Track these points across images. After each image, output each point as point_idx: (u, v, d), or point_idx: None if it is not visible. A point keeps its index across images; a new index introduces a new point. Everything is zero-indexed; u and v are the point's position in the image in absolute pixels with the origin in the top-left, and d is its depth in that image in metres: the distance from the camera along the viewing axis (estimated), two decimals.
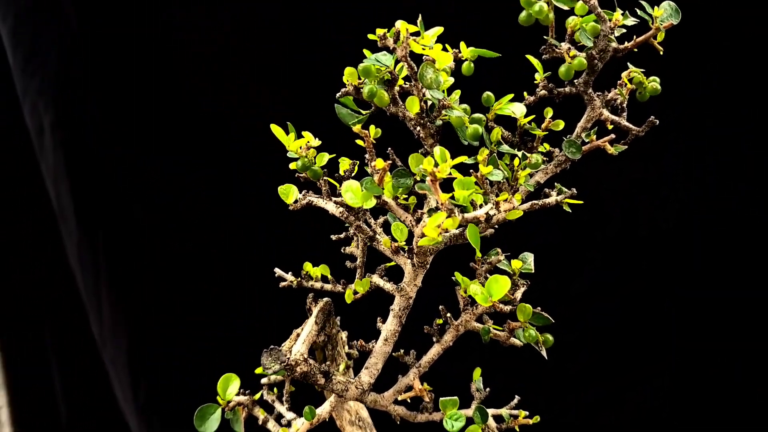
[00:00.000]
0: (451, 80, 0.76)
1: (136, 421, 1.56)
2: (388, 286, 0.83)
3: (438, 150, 0.71)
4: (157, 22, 1.47)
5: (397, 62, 0.76)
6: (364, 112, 0.82)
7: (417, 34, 0.76)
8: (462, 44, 0.86)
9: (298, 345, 0.76)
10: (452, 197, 0.72)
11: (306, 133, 0.81)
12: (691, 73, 1.40)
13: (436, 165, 0.69)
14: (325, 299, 0.88)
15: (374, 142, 0.75)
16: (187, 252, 1.56)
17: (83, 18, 1.44)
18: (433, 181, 0.69)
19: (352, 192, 0.74)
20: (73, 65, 1.46)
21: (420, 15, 0.79)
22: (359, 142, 0.76)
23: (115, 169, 1.51)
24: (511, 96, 0.84)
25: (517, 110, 0.82)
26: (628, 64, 0.87)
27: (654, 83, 0.87)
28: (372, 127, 0.76)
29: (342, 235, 0.90)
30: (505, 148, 0.79)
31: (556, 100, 0.85)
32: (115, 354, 1.56)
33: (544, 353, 0.80)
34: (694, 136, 1.43)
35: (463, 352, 0.93)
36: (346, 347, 0.93)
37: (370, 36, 0.76)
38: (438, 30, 0.78)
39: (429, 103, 0.79)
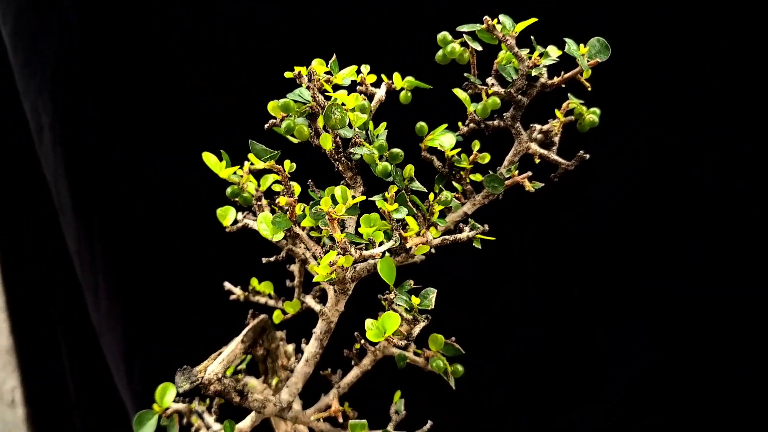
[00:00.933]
0: (364, 117, 0.83)
1: (131, 404, 1.69)
2: (317, 308, 0.91)
3: (338, 189, 0.79)
4: (157, 22, 1.57)
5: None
6: (296, 140, 0.89)
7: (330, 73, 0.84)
8: (396, 75, 0.93)
9: (214, 365, 0.85)
10: (357, 233, 0.80)
11: (252, 156, 0.88)
12: (691, 71, 1.43)
13: (335, 203, 0.77)
14: (261, 316, 0.97)
15: (289, 176, 0.83)
16: (187, 252, 1.67)
17: (83, 17, 1.53)
18: (330, 220, 0.77)
19: (265, 223, 0.82)
20: (72, 64, 1.56)
21: (334, 54, 0.86)
22: (274, 176, 0.83)
23: (114, 167, 1.61)
24: (444, 126, 0.90)
25: (446, 142, 0.88)
26: (569, 95, 0.92)
27: (592, 115, 0.92)
28: (287, 162, 0.83)
29: (272, 258, 0.98)
30: (416, 185, 0.85)
31: (485, 133, 0.91)
32: (111, 342, 1.68)
33: (452, 383, 0.87)
34: (694, 135, 1.46)
35: (399, 374, 1.00)
36: (292, 360, 1.03)
37: (287, 74, 0.84)
38: (351, 69, 0.85)
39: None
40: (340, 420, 0.90)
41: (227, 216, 0.92)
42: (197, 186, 1.63)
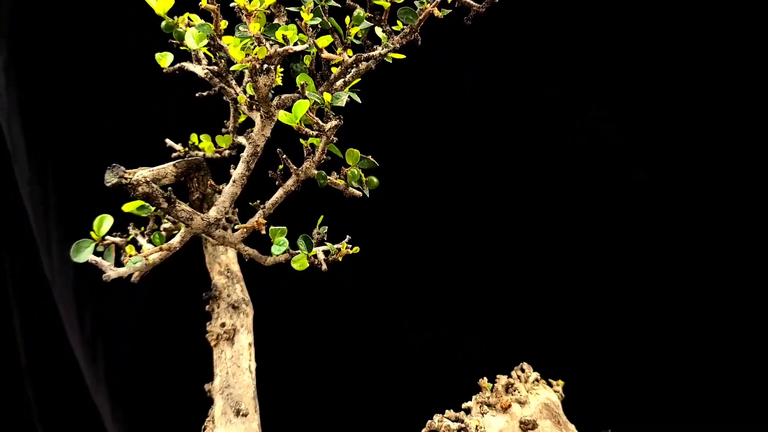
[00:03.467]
0: None
1: (81, 351, 1.77)
2: (243, 141, 1.04)
3: None
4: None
5: None
6: None
7: None
8: None
9: (143, 170, 0.97)
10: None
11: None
12: (689, 70, 1.55)
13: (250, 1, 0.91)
14: (199, 154, 1.10)
15: None
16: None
17: None
18: (247, 15, 0.91)
19: (192, 36, 0.96)
20: (29, 5, 1.67)
21: None
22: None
23: (68, 111, 1.70)
24: None
25: None
26: None
27: None
28: None
29: (205, 93, 1.11)
30: (332, 2, 0.99)
31: None
32: (63, 288, 1.75)
33: (366, 192, 1.00)
34: (692, 134, 1.57)
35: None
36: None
37: None
38: None
39: None
40: (263, 232, 1.00)
41: (165, 59, 1.04)
42: (156, 130, 1.76)
